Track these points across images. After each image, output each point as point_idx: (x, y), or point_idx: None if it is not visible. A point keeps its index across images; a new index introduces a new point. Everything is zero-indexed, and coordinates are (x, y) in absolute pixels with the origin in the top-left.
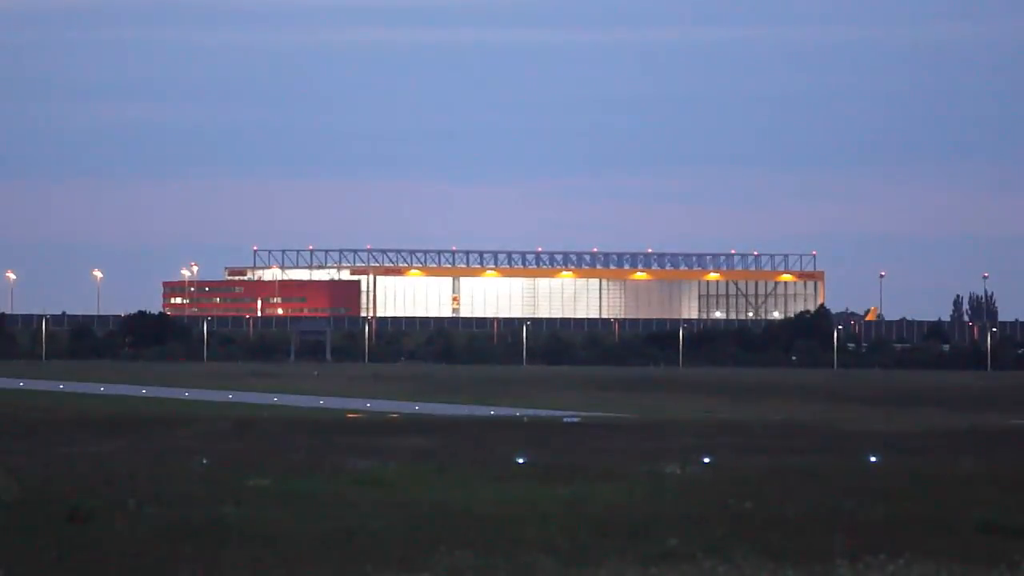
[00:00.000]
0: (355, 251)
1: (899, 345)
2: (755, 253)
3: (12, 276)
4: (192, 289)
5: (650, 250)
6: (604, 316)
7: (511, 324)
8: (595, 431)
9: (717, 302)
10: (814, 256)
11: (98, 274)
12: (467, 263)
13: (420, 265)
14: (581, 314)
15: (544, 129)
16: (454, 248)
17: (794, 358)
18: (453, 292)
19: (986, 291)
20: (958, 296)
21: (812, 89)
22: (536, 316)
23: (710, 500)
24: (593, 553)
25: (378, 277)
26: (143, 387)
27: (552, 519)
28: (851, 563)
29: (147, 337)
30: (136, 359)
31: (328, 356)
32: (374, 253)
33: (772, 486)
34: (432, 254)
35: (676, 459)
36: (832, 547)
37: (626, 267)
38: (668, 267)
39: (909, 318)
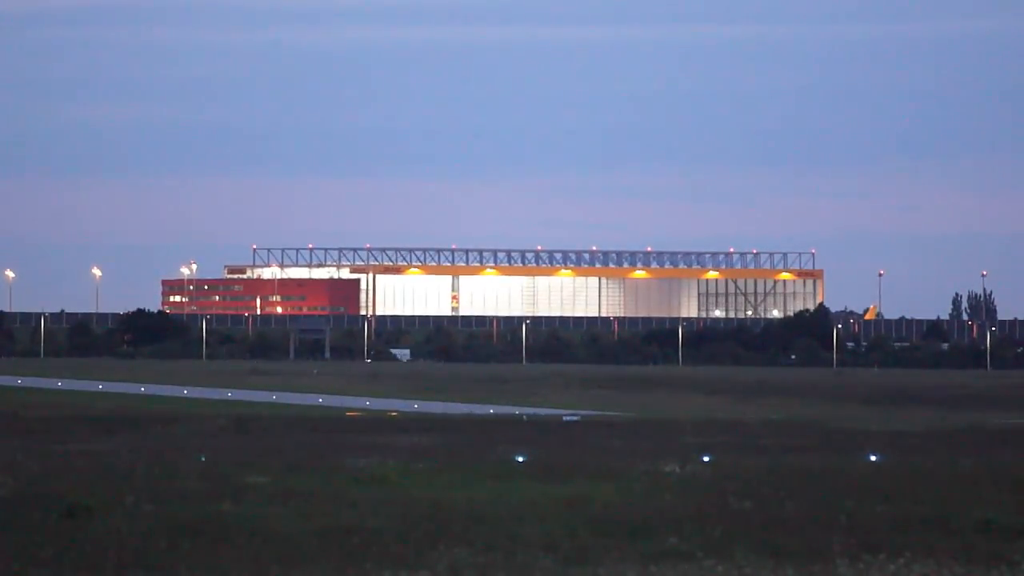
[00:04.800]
0: (354, 249)
1: (898, 344)
2: (754, 251)
3: (11, 274)
4: (191, 287)
5: (649, 248)
6: (603, 315)
7: (510, 323)
8: (594, 430)
9: (716, 301)
10: (813, 254)
11: (97, 272)
12: (466, 262)
13: (419, 264)
14: (580, 313)
15: (543, 128)
16: (453, 247)
17: (793, 357)
18: (452, 291)
19: (985, 289)
20: (957, 295)
21: (812, 88)
22: (535, 315)
23: (710, 499)
24: (592, 552)
25: (377, 275)
26: (142, 385)
27: (551, 518)
28: (851, 563)
29: (146, 335)
30: (133, 357)
31: (327, 354)
32: (373, 251)
33: (772, 485)
34: (431, 252)
35: (675, 458)
36: (832, 547)
37: (625, 265)
38: (667, 265)
39: (908, 317)
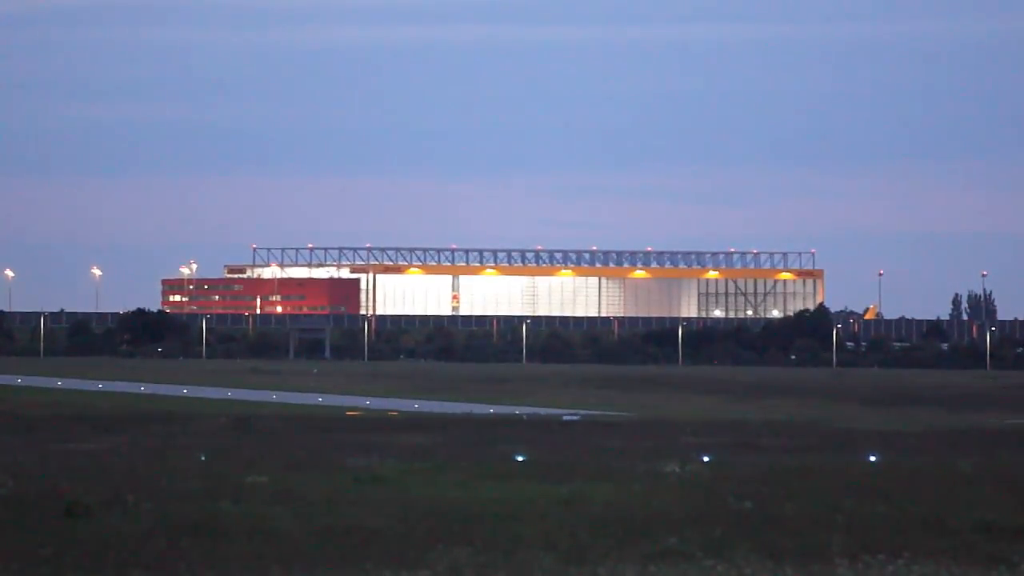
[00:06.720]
0: (355, 249)
1: (898, 344)
2: (754, 251)
3: (11, 274)
4: (191, 287)
5: (649, 248)
6: (603, 314)
7: (510, 322)
8: (594, 429)
9: (716, 300)
10: (813, 254)
11: (97, 272)
12: (466, 261)
13: (419, 263)
14: (580, 312)
15: (544, 127)
16: (453, 246)
17: (793, 357)
18: (452, 290)
19: (985, 289)
20: (957, 295)
21: (812, 89)
22: (535, 314)
23: (709, 499)
24: (592, 551)
25: (377, 275)
26: (141, 384)
27: (551, 517)
28: (850, 563)
29: (146, 335)
30: (132, 356)
31: (327, 354)
32: (373, 251)
33: (772, 486)
34: (431, 252)
35: (675, 458)
36: (832, 547)
37: (625, 265)
38: (667, 265)
39: (908, 317)
